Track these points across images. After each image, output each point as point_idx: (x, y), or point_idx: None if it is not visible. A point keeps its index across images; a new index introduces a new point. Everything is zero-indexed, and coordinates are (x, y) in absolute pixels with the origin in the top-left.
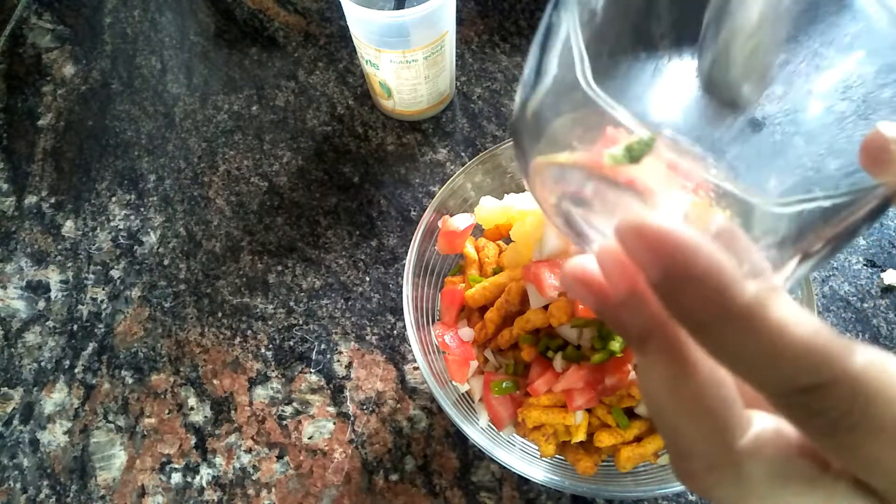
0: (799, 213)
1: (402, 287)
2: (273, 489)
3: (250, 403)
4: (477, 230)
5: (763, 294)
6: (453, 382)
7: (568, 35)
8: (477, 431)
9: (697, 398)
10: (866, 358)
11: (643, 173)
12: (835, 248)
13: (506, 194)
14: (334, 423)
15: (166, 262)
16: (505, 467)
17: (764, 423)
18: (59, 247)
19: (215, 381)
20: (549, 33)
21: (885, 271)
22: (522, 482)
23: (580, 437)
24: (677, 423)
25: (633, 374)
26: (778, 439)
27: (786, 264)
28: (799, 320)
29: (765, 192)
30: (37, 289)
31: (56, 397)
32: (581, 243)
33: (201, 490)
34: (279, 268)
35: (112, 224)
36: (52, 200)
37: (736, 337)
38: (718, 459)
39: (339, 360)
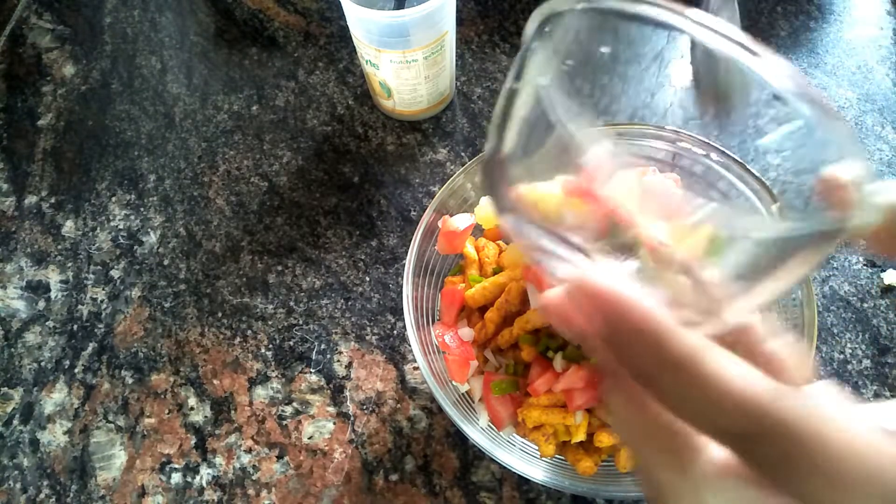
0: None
1: (402, 287)
2: (273, 489)
3: (250, 403)
4: (477, 230)
5: (698, 345)
6: (453, 382)
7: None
8: (477, 431)
9: (653, 430)
10: (798, 402)
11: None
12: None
13: None
14: (334, 423)
15: (166, 262)
16: (505, 467)
17: (717, 452)
18: (59, 247)
19: (215, 381)
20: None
21: (885, 271)
22: (522, 482)
23: (580, 437)
24: (640, 448)
25: None
26: (729, 464)
27: (751, 290)
28: (732, 370)
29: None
30: (37, 289)
31: (56, 397)
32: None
33: (201, 490)
34: (279, 268)
35: (112, 224)
36: (52, 200)
37: (674, 385)
38: (676, 485)
39: (339, 360)
